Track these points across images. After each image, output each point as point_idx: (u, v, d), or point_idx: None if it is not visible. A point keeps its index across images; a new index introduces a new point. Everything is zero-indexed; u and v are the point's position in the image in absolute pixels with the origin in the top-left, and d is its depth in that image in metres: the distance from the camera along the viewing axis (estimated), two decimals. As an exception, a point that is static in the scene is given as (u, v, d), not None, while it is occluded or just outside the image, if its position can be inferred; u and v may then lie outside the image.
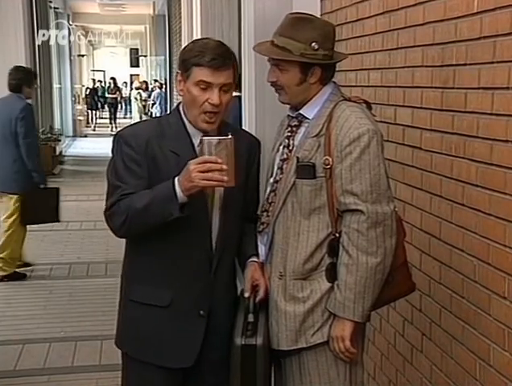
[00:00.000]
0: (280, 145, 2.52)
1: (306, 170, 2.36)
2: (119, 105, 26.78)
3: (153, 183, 2.34)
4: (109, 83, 26.59)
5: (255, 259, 2.51)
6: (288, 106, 2.52)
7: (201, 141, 2.27)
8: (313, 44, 2.36)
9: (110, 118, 24.65)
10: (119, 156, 2.38)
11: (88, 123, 24.75)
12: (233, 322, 2.46)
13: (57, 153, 13.91)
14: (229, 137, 2.22)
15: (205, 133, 2.36)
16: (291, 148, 2.46)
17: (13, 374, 4.39)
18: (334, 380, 2.42)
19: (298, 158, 2.39)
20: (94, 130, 23.60)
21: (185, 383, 2.52)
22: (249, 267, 2.49)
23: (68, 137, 18.90)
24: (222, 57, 2.31)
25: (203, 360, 2.45)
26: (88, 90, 25.94)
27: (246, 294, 2.43)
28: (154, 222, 2.31)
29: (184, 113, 2.42)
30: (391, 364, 3.38)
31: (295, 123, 2.48)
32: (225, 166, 2.18)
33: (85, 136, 21.19)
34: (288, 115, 2.53)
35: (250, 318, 2.40)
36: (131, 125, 2.64)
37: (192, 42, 2.45)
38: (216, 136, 2.30)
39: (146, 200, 2.29)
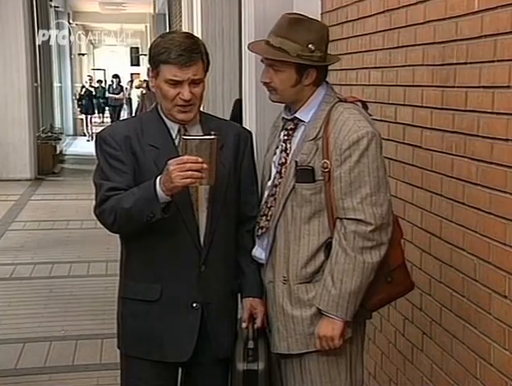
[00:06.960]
0: (277, 148, 2.49)
1: (305, 174, 2.34)
2: (123, 107, 22.62)
3: (136, 178, 2.37)
4: (112, 81, 22.23)
5: (253, 295, 2.52)
6: (283, 106, 2.51)
7: (183, 140, 2.25)
8: (310, 46, 2.33)
9: (112, 121, 19.84)
10: (102, 156, 2.41)
11: (82, 127, 20.84)
12: (231, 316, 2.53)
13: (57, 152, 13.92)
14: (212, 137, 2.22)
15: (184, 123, 2.40)
16: (288, 151, 2.43)
17: (14, 373, 4.38)
18: (335, 380, 2.42)
19: (296, 162, 2.37)
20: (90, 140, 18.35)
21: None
22: (248, 297, 2.53)
23: (69, 136, 18.89)
24: (188, 52, 2.32)
25: (200, 354, 2.45)
26: (84, 90, 21.08)
27: (244, 325, 2.47)
28: (140, 223, 2.32)
29: (161, 108, 2.45)
30: (392, 363, 3.39)
31: (291, 126, 2.45)
32: (205, 166, 2.19)
33: (85, 135, 21.17)
34: (283, 117, 2.51)
35: (250, 344, 2.43)
36: (111, 124, 2.66)
37: (160, 36, 2.45)
38: (198, 131, 2.38)
39: (130, 202, 2.31)
